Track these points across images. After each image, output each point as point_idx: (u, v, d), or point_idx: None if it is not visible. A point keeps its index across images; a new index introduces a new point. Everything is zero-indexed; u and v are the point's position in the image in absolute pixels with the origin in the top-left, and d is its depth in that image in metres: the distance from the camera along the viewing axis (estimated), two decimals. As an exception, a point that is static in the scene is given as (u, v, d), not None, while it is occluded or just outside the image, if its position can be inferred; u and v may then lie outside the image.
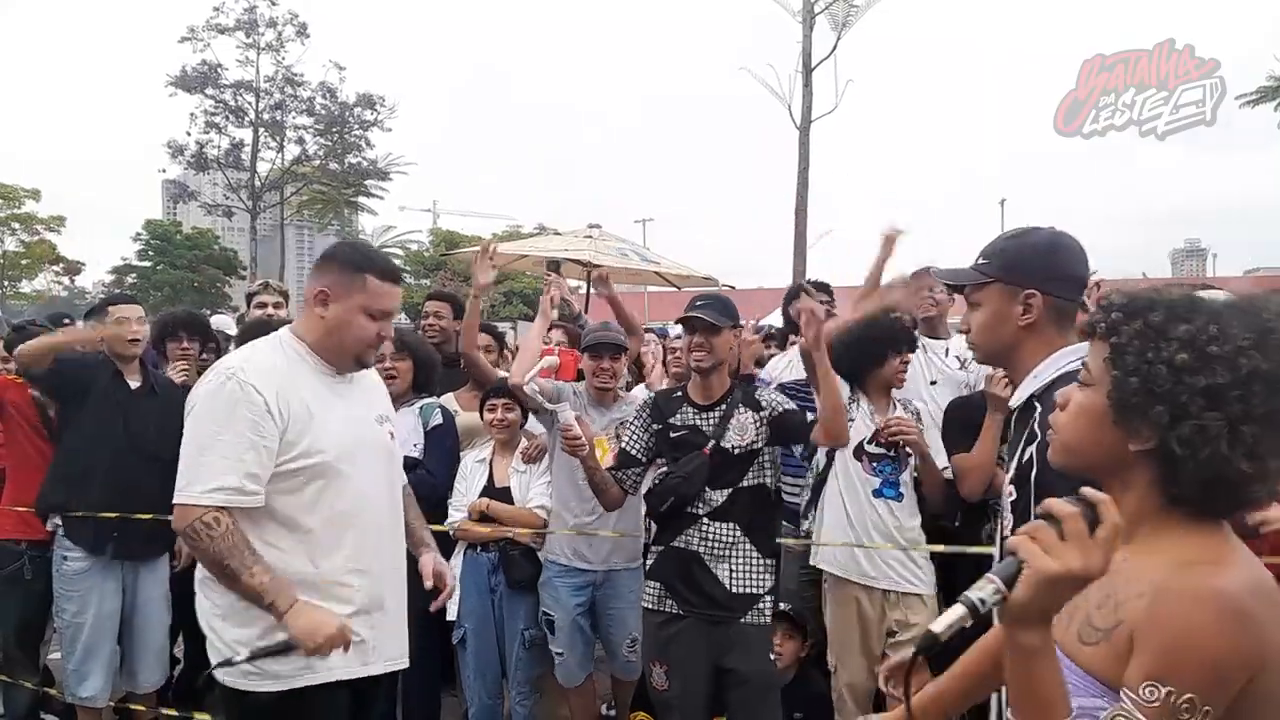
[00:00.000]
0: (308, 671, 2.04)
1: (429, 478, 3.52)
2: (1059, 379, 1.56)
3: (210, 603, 2.12)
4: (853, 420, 3.16)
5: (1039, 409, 1.58)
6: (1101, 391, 1.09)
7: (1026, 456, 1.60)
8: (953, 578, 3.18)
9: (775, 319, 4.82)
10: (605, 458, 3.53)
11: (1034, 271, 1.67)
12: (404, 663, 2.33)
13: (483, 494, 3.57)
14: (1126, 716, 0.96)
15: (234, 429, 2.00)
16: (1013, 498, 1.66)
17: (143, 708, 3.66)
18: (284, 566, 2.04)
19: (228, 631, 2.08)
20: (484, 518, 3.53)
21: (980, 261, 1.73)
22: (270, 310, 4.35)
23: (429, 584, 2.37)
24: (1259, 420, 0.99)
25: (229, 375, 2.05)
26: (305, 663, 2.02)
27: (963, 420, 3.20)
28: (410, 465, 3.53)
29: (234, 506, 2.00)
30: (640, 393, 4.21)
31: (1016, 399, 1.70)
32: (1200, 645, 0.95)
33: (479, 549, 3.57)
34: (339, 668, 2.07)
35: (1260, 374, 0.99)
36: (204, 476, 1.99)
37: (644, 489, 3.11)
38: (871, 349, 3.23)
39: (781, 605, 3.29)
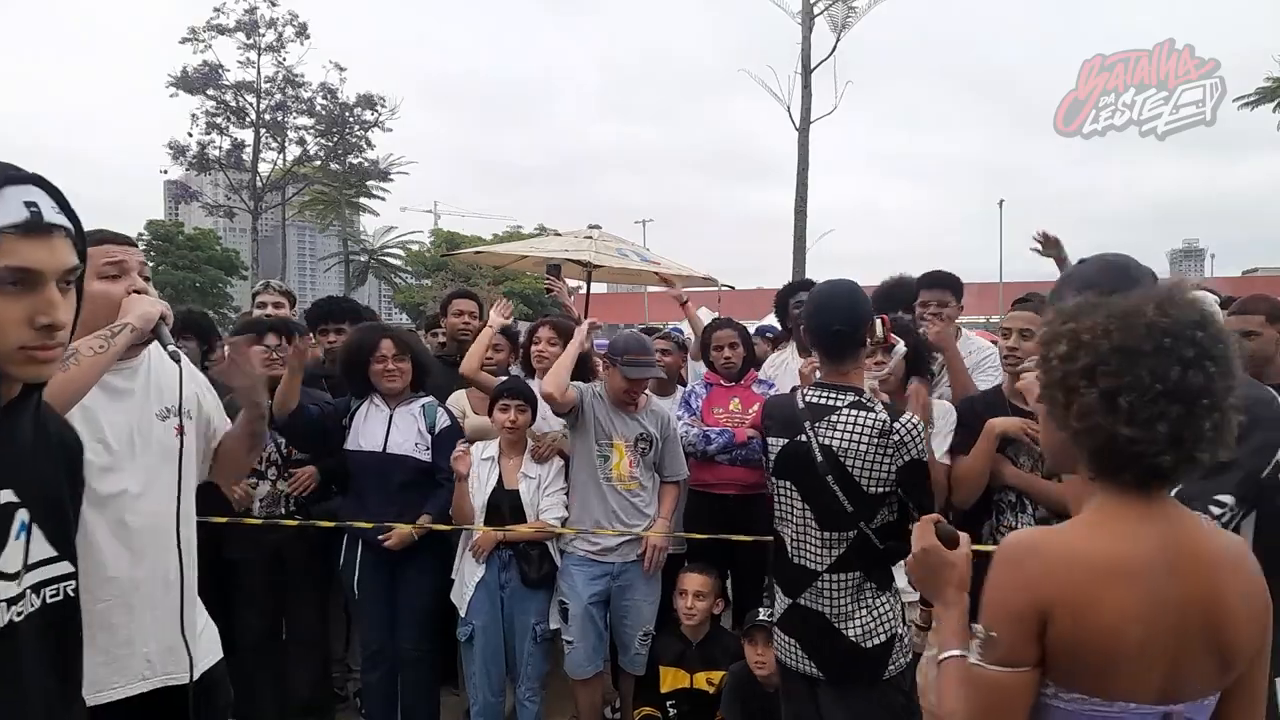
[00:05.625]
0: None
1: (448, 483, 3.58)
2: None
3: None
4: None
5: None
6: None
7: None
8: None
9: (774, 319, 4.85)
10: (622, 463, 3.57)
11: None
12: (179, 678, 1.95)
13: (492, 496, 3.59)
14: (974, 649, 1.22)
15: None
16: None
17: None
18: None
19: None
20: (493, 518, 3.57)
21: None
22: (270, 310, 4.33)
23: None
24: (1127, 389, 1.15)
25: None
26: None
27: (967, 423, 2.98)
28: (416, 466, 3.59)
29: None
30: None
31: None
32: (987, 590, 1.22)
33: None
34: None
35: (1118, 349, 1.16)
36: None
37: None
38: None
39: (762, 615, 3.29)
